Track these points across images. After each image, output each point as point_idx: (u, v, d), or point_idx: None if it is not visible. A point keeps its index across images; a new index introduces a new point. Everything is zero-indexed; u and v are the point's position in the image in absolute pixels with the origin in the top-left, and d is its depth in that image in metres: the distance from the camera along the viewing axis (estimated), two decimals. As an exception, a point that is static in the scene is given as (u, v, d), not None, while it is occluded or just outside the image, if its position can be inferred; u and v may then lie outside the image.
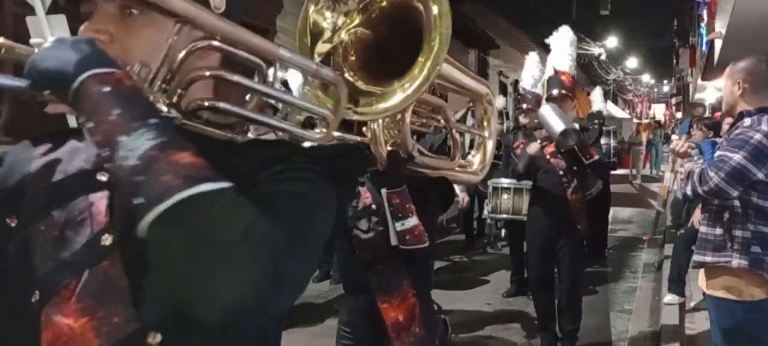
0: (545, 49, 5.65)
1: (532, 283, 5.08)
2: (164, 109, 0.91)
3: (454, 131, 2.26)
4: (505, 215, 6.10)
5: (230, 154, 0.94)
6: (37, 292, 0.90)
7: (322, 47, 1.35)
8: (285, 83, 4.79)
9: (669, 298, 5.61)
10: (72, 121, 1.03)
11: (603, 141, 7.02)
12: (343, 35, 1.37)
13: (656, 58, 46.59)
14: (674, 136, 11.60)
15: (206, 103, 0.95)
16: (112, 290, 0.88)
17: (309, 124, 2.64)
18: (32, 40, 0.88)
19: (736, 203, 2.76)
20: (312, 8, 1.36)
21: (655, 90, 52.31)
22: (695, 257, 3.00)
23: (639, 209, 12.17)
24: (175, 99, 0.94)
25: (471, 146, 2.50)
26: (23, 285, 0.91)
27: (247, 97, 1.01)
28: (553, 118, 4.26)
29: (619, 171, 15.03)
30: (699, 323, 5.08)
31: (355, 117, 1.30)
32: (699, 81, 16.29)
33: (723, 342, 2.90)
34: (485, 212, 6.61)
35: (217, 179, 0.77)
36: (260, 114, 1.01)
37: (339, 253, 2.85)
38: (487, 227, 8.32)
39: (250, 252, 0.76)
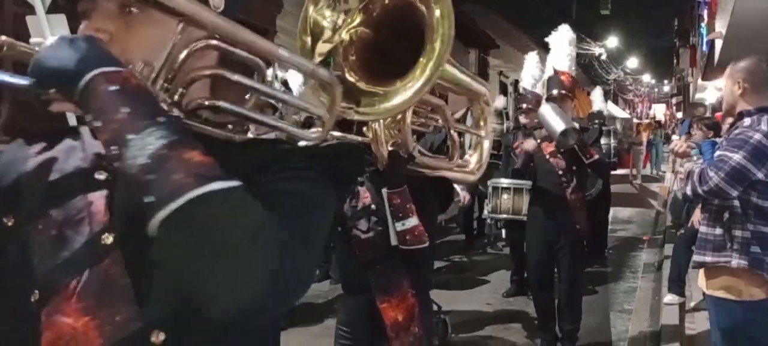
0: (545, 49, 5.65)
1: (531, 283, 5.08)
2: (166, 108, 0.91)
3: (452, 131, 2.26)
4: (505, 215, 6.08)
5: (230, 154, 0.93)
6: (36, 292, 0.89)
7: (322, 47, 1.35)
8: (285, 83, 4.80)
9: (669, 298, 5.61)
10: (72, 120, 1.03)
11: (603, 141, 7.01)
12: (344, 35, 1.37)
13: (657, 58, 46.57)
14: (674, 137, 11.61)
15: (207, 103, 0.95)
16: (113, 288, 0.88)
17: (308, 124, 2.64)
18: (32, 40, 0.88)
19: (736, 203, 2.76)
20: (312, 8, 1.36)
21: (656, 90, 52.26)
22: (695, 257, 3.00)
23: (639, 209, 12.15)
24: (176, 98, 0.94)
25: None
26: (22, 285, 0.91)
27: (247, 96, 1.01)
28: (553, 118, 4.26)
29: (619, 171, 15.01)
30: (699, 323, 5.08)
31: (357, 117, 1.30)
32: (699, 81, 16.26)
33: (723, 342, 2.91)
34: (485, 212, 6.60)
35: (227, 178, 0.78)
36: (259, 113, 1.00)
37: (338, 253, 2.85)
38: (487, 227, 8.30)
39: (259, 250, 0.77)
